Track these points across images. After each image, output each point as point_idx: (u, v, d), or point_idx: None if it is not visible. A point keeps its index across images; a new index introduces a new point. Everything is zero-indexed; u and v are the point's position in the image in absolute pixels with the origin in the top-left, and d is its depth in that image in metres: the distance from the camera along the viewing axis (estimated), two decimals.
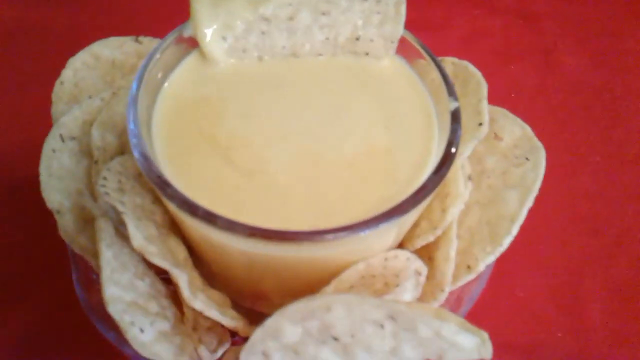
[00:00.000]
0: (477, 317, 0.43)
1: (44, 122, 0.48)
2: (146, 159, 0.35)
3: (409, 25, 0.44)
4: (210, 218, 0.33)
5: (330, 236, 0.33)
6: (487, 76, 0.47)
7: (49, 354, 0.48)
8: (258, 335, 0.33)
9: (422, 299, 0.42)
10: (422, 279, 0.40)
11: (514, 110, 0.48)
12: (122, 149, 0.43)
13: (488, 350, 0.33)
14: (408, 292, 0.40)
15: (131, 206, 0.37)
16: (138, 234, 0.35)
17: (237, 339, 0.43)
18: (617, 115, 0.71)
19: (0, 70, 0.69)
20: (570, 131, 0.69)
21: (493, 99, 0.44)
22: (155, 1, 0.79)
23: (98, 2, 0.78)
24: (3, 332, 0.49)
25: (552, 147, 0.45)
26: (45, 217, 0.41)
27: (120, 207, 0.35)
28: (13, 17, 0.74)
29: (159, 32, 0.52)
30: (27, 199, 0.50)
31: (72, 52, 0.67)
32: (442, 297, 0.42)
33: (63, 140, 0.41)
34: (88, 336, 0.47)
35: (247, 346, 0.34)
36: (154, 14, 0.77)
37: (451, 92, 0.40)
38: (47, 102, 0.47)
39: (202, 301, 0.36)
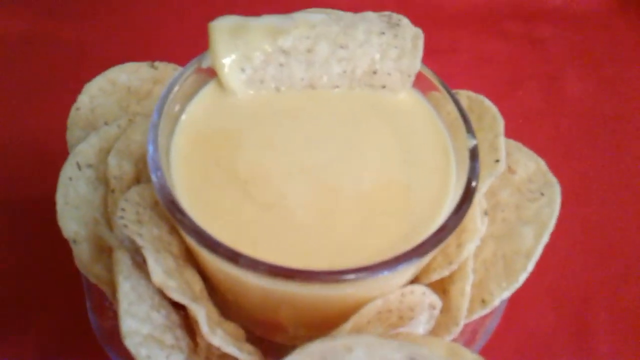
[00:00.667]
0: (490, 349, 0.44)
1: (58, 144, 0.48)
2: (164, 187, 0.35)
3: None
4: (231, 256, 0.33)
5: (351, 276, 0.33)
6: (494, 100, 0.48)
7: None
8: None
9: (435, 331, 0.42)
10: (436, 312, 0.40)
11: (522, 136, 0.48)
12: (138, 178, 0.43)
13: None
14: (422, 325, 0.40)
15: (149, 238, 0.37)
16: (158, 269, 0.35)
17: None
18: (623, 142, 0.72)
19: (9, 84, 0.68)
20: (576, 157, 0.70)
21: None
22: (160, 17, 0.79)
23: (106, 17, 0.78)
24: (12, 355, 0.49)
25: (559, 174, 0.45)
26: (57, 240, 0.41)
27: (139, 241, 0.35)
28: (22, 31, 0.74)
29: (172, 56, 0.52)
30: (43, 224, 0.50)
31: (83, 68, 0.68)
32: (456, 330, 0.42)
33: (80, 169, 0.41)
34: None
35: None
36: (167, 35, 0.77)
37: (469, 130, 0.40)
38: (60, 121, 0.47)
39: (220, 337, 0.36)
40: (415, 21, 0.49)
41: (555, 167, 0.46)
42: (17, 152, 0.60)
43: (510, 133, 0.47)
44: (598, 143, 0.71)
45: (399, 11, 0.71)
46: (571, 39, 0.84)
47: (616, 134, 0.73)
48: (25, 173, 0.58)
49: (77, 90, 0.48)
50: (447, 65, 0.78)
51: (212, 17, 0.44)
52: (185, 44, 0.70)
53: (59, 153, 0.46)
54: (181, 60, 0.52)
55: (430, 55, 0.64)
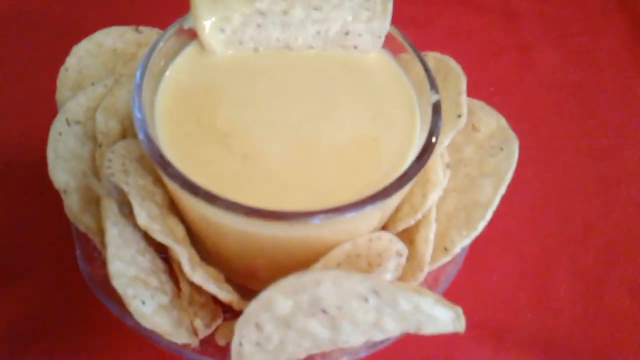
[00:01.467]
0: (452, 297, 0.47)
1: (47, 108, 0.50)
2: (150, 141, 0.38)
3: (395, 21, 0.47)
4: (210, 198, 0.35)
5: (320, 216, 0.36)
6: (468, 71, 0.50)
7: (52, 327, 0.51)
8: (253, 307, 0.36)
9: (402, 278, 0.46)
10: (403, 260, 0.43)
11: (492, 103, 0.51)
12: (124, 134, 0.45)
13: (462, 324, 0.37)
14: (390, 272, 0.43)
15: (135, 187, 0.39)
16: (142, 213, 0.37)
17: (228, 316, 0.46)
18: (590, 111, 0.75)
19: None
20: (545, 124, 0.73)
21: (472, 93, 0.47)
22: None
23: None
24: (7, 306, 0.51)
25: (527, 139, 0.48)
26: (49, 199, 0.43)
27: (125, 187, 0.38)
28: (12, 5, 0.75)
29: (156, 21, 0.54)
30: (33, 182, 0.53)
31: (71, 39, 0.69)
32: (421, 276, 0.45)
33: (68, 124, 0.43)
34: (88, 309, 0.50)
35: (242, 318, 0.36)
36: (151, 2, 0.79)
37: (433, 86, 0.43)
38: (49, 88, 0.49)
39: (200, 276, 0.39)
40: None
41: (522, 132, 0.49)
42: (7, 116, 0.62)
43: (481, 100, 0.50)
44: (566, 112, 0.75)
45: None
46: (544, 11, 0.86)
47: (584, 103, 0.76)
48: (17, 134, 0.60)
49: (62, 57, 0.50)
50: (423, 37, 0.80)
51: None
52: (169, 10, 0.72)
53: (49, 115, 0.49)
54: (165, 26, 0.54)
55: (406, 28, 0.66)
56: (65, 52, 0.49)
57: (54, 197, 0.42)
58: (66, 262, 0.51)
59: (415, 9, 0.84)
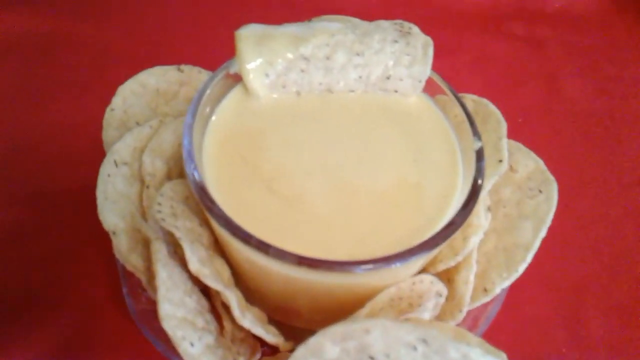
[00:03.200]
0: (492, 336, 0.47)
1: (83, 134, 0.51)
2: (199, 182, 0.39)
3: None
4: (262, 247, 0.36)
5: (367, 266, 0.36)
6: (495, 100, 0.51)
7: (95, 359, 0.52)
8: (301, 352, 0.36)
9: (440, 317, 0.46)
10: (442, 300, 0.44)
11: (521, 134, 0.51)
12: (169, 175, 0.46)
13: None
14: (428, 311, 0.44)
15: (184, 230, 0.40)
16: (194, 258, 0.38)
17: (266, 349, 0.47)
18: (618, 140, 0.75)
19: (35, 82, 0.72)
20: (573, 155, 0.73)
21: None
22: (177, 16, 0.82)
23: (125, 17, 0.81)
24: (47, 333, 0.52)
25: (556, 170, 0.49)
26: (88, 231, 0.44)
27: (176, 233, 0.39)
28: (45, 31, 0.77)
29: (186, 50, 0.55)
30: (76, 210, 0.54)
31: (104, 65, 0.71)
32: (460, 316, 0.46)
33: (116, 166, 0.45)
34: (131, 344, 0.51)
35: None
36: (177, 26, 0.80)
37: (475, 132, 0.43)
38: (83, 112, 0.51)
39: (249, 320, 0.39)
40: (422, 22, 0.52)
41: (553, 165, 0.50)
42: (47, 149, 0.63)
43: (510, 131, 0.50)
44: (594, 142, 0.75)
45: (406, 12, 0.74)
46: (570, 40, 0.87)
47: (612, 133, 0.76)
48: (58, 168, 0.61)
49: (102, 89, 0.51)
50: (452, 65, 0.81)
51: (227, 17, 0.47)
52: (202, 44, 0.73)
53: (88, 148, 0.50)
54: (201, 60, 0.56)
55: (435, 55, 0.67)
56: (101, 80, 0.51)
57: (98, 232, 0.43)
58: (110, 296, 0.52)
59: (442, 36, 0.84)
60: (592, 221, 0.67)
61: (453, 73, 0.80)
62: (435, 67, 0.48)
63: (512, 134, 0.51)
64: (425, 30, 0.49)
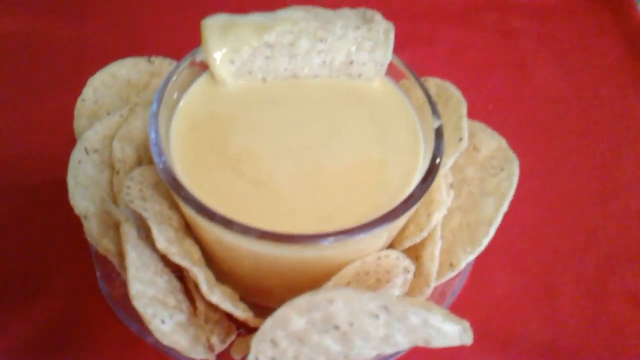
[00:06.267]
0: (458, 309, 0.49)
1: (59, 129, 0.53)
2: (167, 169, 0.40)
3: (396, 40, 0.49)
4: (225, 223, 0.37)
5: (330, 239, 0.38)
6: (468, 89, 0.53)
7: (70, 344, 0.52)
8: (268, 324, 0.38)
9: (409, 293, 0.47)
10: (410, 275, 0.45)
11: (491, 121, 0.53)
12: (140, 161, 0.47)
13: (469, 336, 0.38)
14: (397, 287, 0.45)
15: (152, 212, 0.41)
16: (161, 237, 0.39)
17: (241, 331, 0.48)
18: (586, 126, 0.77)
19: (12, 79, 0.73)
20: (543, 140, 0.75)
21: (472, 110, 0.50)
22: (154, 13, 0.83)
23: (102, 15, 0.82)
24: (24, 322, 0.53)
25: (526, 155, 0.50)
26: (67, 218, 0.45)
27: (144, 214, 0.40)
28: (21, 29, 0.78)
29: (162, 46, 0.55)
30: (51, 201, 0.54)
31: (80, 62, 0.72)
32: (428, 291, 0.47)
33: (87, 153, 0.46)
34: (105, 327, 0.52)
35: (258, 334, 0.38)
36: (154, 23, 0.81)
37: (434, 111, 0.45)
38: (59, 110, 0.51)
39: (217, 295, 0.40)
40: (394, 14, 0.54)
41: (521, 149, 0.51)
42: (24, 142, 0.64)
43: (480, 118, 0.52)
44: (563, 127, 0.76)
45: (379, 3, 0.75)
46: (541, 30, 0.89)
47: (580, 118, 0.78)
48: (33, 161, 0.62)
49: (78, 84, 0.52)
50: (424, 56, 0.83)
51: (203, 13, 0.48)
52: (177, 39, 0.74)
53: (64, 140, 0.51)
54: (175, 54, 0.56)
55: (407, 46, 0.68)
56: (77, 76, 0.52)
57: (72, 219, 0.44)
58: (84, 281, 0.53)
59: (413, 27, 0.86)
60: (561, 200, 0.68)
61: (426, 64, 0.82)
62: (409, 58, 0.50)
63: (482, 120, 0.52)
64: (399, 21, 0.51)
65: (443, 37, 0.87)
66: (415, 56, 0.78)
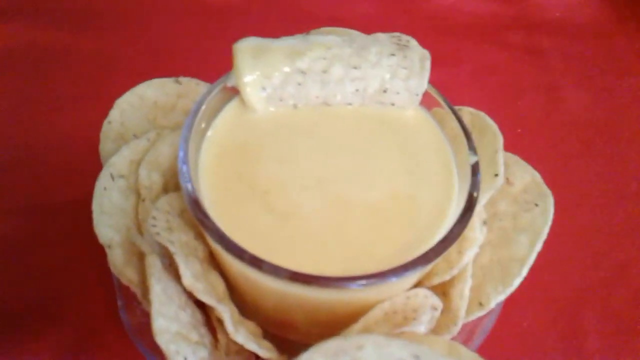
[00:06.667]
0: (487, 348, 0.47)
1: (82, 147, 0.52)
2: (197, 203, 0.39)
3: None
4: (256, 262, 0.36)
5: (362, 282, 0.36)
6: (495, 110, 0.51)
7: None
8: None
9: (436, 330, 0.46)
10: (437, 313, 0.44)
11: (520, 146, 0.51)
12: (166, 187, 0.46)
13: None
14: (423, 325, 0.44)
15: (179, 244, 0.40)
16: (188, 273, 0.38)
17: None
18: (617, 151, 0.75)
19: (34, 94, 0.72)
20: (572, 166, 0.73)
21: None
22: (177, 28, 0.83)
23: (124, 29, 0.82)
24: (45, 347, 0.52)
25: (554, 182, 0.49)
26: (85, 244, 0.44)
27: (171, 248, 0.39)
28: (44, 43, 0.78)
29: (184, 61, 0.54)
30: (73, 223, 0.54)
31: (103, 77, 0.71)
32: (455, 330, 0.45)
33: (113, 179, 0.45)
34: (126, 357, 0.51)
35: None
36: (177, 38, 0.81)
37: (471, 146, 0.43)
38: (82, 127, 0.50)
39: (243, 335, 0.39)
40: (421, 32, 0.52)
41: (551, 176, 0.50)
42: (46, 160, 0.64)
43: (509, 142, 0.50)
44: (593, 152, 0.75)
45: (405, 22, 0.74)
46: (570, 49, 0.87)
47: (611, 143, 0.76)
48: (56, 180, 0.62)
49: (101, 102, 0.51)
50: (451, 75, 0.81)
51: (226, 30, 0.47)
52: (202, 57, 0.74)
53: (86, 160, 0.50)
54: (200, 72, 0.56)
55: (433, 66, 0.66)
56: (100, 92, 0.51)
57: (94, 245, 0.43)
58: (104, 309, 0.52)
59: (442, 47, 0.85)
60: (590, 233, 0.66)
61: (452, 84, 0.80)
62: (434, 78, 0.48)
63: (511, 145, 0.50)
64: (425, 40, 0.49)
65: (468, 57, 0.86)
66: (439, 77, 0.76)
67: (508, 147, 0.50)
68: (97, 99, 0.52)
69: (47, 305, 0.54)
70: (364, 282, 0.36)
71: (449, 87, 0.68)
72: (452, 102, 0.48)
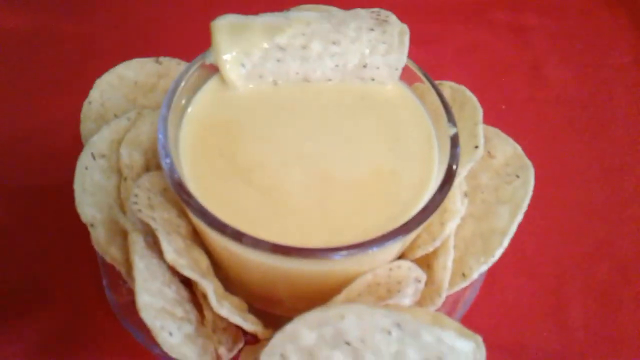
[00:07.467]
0: (470, 319, 0.48)
1: (64, 130, 0.52)
2: (174, 173, 0.39)
3: None
4: (237, 236, 0.37)
5: (343, 253, 0.37)
6: (479, 88, 0.51)
7: (75, 353, 0.52)
8: (278, 338, 0.37)
9: (420, 303, 0.47)
10: (421, 285, 0.44)
11: (504, 122, 0.51)
12: (148, 166, 0.46)
13: (482, 353, 0.38)
14: (408, 297, 0.44)
15: (161, 221, 0.41)
16: (169, 249, 0.38)
17: (249, 338, 0.47)
18: (600, 127, 0.76)
19: (16, 79, 0.72)
20: (556, 142, 0.74)
21: (484, 111, 0.48)
22: (158, 11, 0.82)
23: (105, 13, 0.81)
24: (29, 331, 0.53)
25: (538, 157, 0.49)
26: (71, 224, 0.44)
27: (152, 224, 0.39)
28: (24, 28, 0.77)
29: (168, 44, 0.54)
30: (56, 205, 0.54)
31: (84, 61, 0.71)
32: (439, 301, 0.46)
33: (94, 158, 0.45)
34: (111, 337, 0.51)
35: (268, 348, 0.37)
36: (159, 21, 0.80)
37: (450, 119, 0.44)
38: (63, 107, 0.50)
39: (227, 308, 0.40)
40: (404, 12, 0.52)
41: (535, 151, 0.50)
42: (29, 143, 0.63)
43: (493, 118, 0.50)
44: (577, 128, 0.75)
45: (390, 1, 0.74)
46: (553, 26, 0.87)
47: (594, 119, 0.76)
48: (39, 162, 0.61)
49: (83, 85, 0.51)
50: (435, 55, 0.81)
51: (209, 12, 0.47)
52: (183, 37, 0.73)
53: (69, 142, 0.50)
54: (181, 53, 0.55)
55: (419, 45, 0.67)
56: (82, 76, 0.51)
57: (78, 226, 0.43)
58: (90, 288, 0.52)
59: (425, 26, 0.84)
60: (573, 205, 0.67)
61: (437, 62, 0.80)
62: (419, 57, 0.48)
63: (495, 121, 0.51)
64: (409, 19, 0.49)
65: (453, 36, 0.86)
66: (424, 55, 0.77)
67: (492, 123, 0.50)
68: (79, 82, 0.52)
69: (34, 286, 0.54)
70: (344, 252, 0.36)
71: (434, 65, 0.68)
72: (437, 79, 0.48)
